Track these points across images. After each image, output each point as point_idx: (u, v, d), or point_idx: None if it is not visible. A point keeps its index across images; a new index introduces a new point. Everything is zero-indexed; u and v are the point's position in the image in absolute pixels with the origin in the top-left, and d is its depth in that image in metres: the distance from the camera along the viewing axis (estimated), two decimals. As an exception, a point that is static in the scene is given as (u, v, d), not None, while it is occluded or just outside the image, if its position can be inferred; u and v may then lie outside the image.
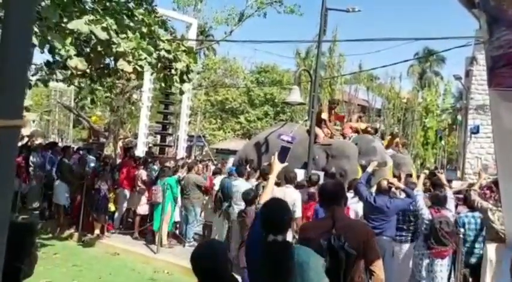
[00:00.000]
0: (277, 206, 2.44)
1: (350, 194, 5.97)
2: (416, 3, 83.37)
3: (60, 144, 30.54)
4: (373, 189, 6.37)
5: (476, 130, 16.45)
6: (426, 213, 5.27)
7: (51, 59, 7.29)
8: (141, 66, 5.55)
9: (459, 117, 21.09)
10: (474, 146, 16.99)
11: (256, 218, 2.75)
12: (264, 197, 2.98)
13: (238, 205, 7.34)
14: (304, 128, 9.97)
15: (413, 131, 32.56)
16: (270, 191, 3.15)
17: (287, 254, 2.24)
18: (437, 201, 5.37)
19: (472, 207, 5.54)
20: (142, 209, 8.79)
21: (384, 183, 5.95)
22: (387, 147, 9.48)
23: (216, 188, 8.10)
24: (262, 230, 2.32)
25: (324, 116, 9.27)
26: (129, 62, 5.45)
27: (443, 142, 27.45)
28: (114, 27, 5.47)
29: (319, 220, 3.24)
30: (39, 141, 15.55)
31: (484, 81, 16.85)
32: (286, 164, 3.73)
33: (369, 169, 6.44)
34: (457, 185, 9.18)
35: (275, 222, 2.31)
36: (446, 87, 33.20)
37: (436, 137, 28.78)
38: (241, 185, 7.35)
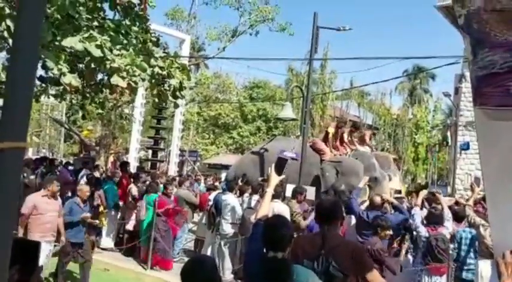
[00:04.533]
0: (279, 223, 2.46)
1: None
2: (407, 22, 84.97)
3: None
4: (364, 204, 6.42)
5: (466, 147, 16.63)
6: (423, 230, 5.36)
7: (44, 74, 7.33)
8: (135, 82, 5.59)
9: (448, 134, 21.36)
10: (464, 162, 17.17)
11: (254, 232, 2.76)
12: (261, 212, 2.96)
13: (227, 220, 7.32)
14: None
15: (404, 147, 32.80)
16: (267, 205, 3.09)
17: (285, 272, 2.26)
18: (433, 220, 5.44)
19: (459, 221, 5.62)
20: (131, 224, 8.71)
21: (377, 199, 5.99)
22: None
23: (211, 203, 8.10)
24: (263, 245, 2.36)
25: (330, 131, 9.20)
26: (123, 78, 5.49)
27: (432, 158, 27.69)
28: (109, 44, 5.52)
29: (312, 236, 3.21)
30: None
31: (472, 98, 17.05)
32: (283, 176, 3.57)
33: (361, 184, 6.52)
34: (445, 200, 9.24)
35: (275, 239, 2.34)
36: (436, 104, 33.68)
37: (426, 153, 29.05)
38: (229, 200, 7.37)
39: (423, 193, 6.46)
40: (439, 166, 33.05)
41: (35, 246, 1.28)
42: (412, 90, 42.21)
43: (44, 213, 5.80)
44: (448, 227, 5.40)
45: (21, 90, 0.88)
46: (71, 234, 6.17)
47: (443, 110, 34.99)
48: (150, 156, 19.37)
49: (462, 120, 17.38)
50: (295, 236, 2.58)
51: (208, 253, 7.60)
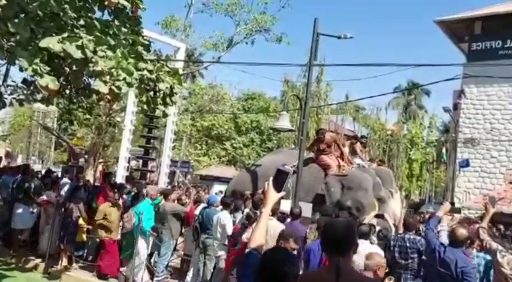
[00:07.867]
0: (280, 258, 1.99)
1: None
2: (405, 38, 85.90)
3: (40, 166, 29.64)
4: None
5: (465, 164, 16.28)
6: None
7: (29, 78, 6.88)
8: (118, 87, 5.08)
9: (444, 151, 21.10)
10: (462, 180, 16.84)
11: (246, 264, 2.26)
12: (256, 239, 2.38)
13: (218, 240, 6.78)
14: (307, 156, 9.21)
15: (398, 163, 32.53)
16: (263, 230, 2.45)
17: None
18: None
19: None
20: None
21: (463, 233, 4.74)
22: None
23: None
24: None
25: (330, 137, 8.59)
26: (105, 82, 5.00)
27: (431, 175, 27.49)
28: (92, 45, 5.07)
29: (320, 271, 2.68)
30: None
31: (472, 115, 16.91)
32: (283, 193, 2.63)
33: (440, 213, 5.38)
34: (446, 220, 8.85)
35: (276, 278, 1.90)
36: (431, 120, 33.60)
37: (421, 169, 28.77)
38: (222, 217, 6.81)
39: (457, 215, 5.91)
40: (434, 183, 32.85)
41: None
42: (406, 105, 42.24)
43: None
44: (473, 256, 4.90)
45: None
46: None
47: (437, 127, 34.92)
48: (140, 166, 18.88)
49: (461, 136, 17.07)
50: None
51: (191, 271, 7.16)
